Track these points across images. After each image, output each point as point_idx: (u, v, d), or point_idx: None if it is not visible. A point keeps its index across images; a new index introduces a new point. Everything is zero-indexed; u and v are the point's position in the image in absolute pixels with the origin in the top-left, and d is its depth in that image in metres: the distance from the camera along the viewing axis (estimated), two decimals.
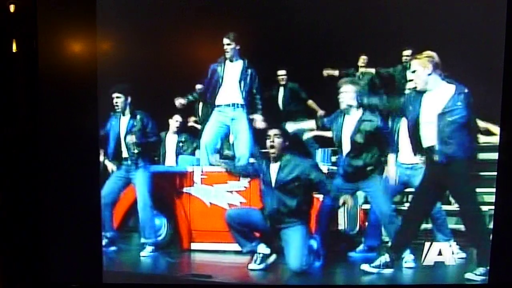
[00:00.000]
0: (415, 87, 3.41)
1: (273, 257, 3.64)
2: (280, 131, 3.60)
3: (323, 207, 3.66)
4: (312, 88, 3.65)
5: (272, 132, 3.61)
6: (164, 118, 3.87)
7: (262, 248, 3.64)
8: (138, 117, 3.77)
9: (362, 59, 3.69)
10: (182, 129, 3.92)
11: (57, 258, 3.50)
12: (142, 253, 3.75)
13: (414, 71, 3.39)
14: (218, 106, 3.82)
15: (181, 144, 3.95)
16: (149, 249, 3.77)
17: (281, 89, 3.84)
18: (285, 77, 3.77)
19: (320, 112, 3.65)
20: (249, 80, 3.73)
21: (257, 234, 3.66)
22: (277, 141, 3.59)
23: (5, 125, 3.39)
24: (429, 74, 3.35)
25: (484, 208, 3.47)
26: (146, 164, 3.81)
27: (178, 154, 3.95)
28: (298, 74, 3.65)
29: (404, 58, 3.61)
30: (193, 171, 3.82)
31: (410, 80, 3.49)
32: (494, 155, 3.43)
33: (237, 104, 3.80)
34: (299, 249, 3.55)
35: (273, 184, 3.59)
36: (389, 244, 3.56)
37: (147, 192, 3.74)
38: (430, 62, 3.33)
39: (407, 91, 3.57)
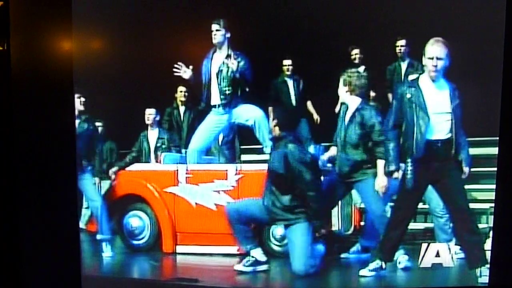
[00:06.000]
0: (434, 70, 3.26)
1: (265, 266, 3.48)
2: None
3: None
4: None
5: None
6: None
7: (258, 254, 3.48)
8: None
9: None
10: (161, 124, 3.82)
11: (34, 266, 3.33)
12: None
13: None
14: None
15: (164, 141, 3.82)
16: None
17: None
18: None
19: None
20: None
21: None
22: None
23: None
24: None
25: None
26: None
27: (161, 151, 3.81)
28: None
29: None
30: (177, 170, 3.67)
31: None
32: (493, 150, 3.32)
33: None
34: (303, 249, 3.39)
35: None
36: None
37: None
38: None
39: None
